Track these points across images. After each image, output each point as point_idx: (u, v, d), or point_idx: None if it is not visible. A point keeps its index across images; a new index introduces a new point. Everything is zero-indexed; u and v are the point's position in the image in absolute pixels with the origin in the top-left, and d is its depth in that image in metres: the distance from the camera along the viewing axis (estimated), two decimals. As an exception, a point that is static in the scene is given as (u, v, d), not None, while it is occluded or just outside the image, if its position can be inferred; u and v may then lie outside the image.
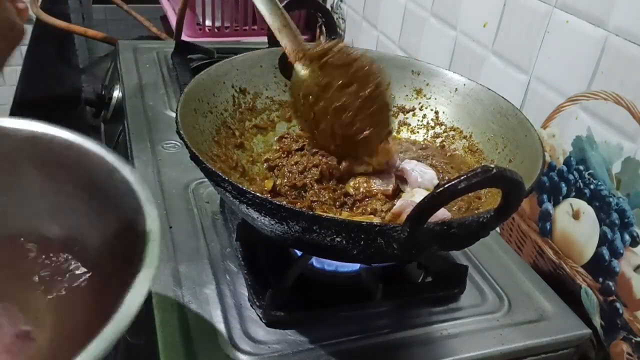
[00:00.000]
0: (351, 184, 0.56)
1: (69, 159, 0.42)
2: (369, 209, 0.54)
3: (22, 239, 0.44)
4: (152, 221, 0.36)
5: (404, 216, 0.50)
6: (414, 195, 0.53)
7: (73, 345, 0.36)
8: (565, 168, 0.63)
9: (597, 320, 0.60)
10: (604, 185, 0.58)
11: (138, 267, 0.32)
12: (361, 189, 0.55)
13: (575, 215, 0.62)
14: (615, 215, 0.57)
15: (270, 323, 0.51)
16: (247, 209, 0.43)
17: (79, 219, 0.43)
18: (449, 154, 0.64)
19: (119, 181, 0.40)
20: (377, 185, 0.56)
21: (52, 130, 0.43)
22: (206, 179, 0.48)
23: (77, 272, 0.43)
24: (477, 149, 0.61)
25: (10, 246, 0.44)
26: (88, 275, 0.42)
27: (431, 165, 0.61)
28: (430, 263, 0.59)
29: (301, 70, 0.54)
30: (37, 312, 0.41)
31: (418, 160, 0.61)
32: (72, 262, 0.43)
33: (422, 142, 0.66)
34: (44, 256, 0.44)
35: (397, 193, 0.57)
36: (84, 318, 0.39)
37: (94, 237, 0.42)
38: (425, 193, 0.51)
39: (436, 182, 0.57)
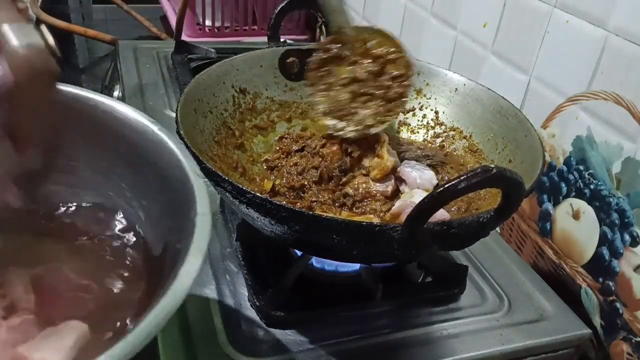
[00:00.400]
0: (350, 184, 0.56)
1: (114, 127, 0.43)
2: (368, 209, 0.54)
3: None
4: (200, 193, 0.36)
5: (403, 217, 0.50)
6: (413, 196, 0.53)
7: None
8: (565, 168, 0.63)
9: (597, 320, 0.60)
10: (604, 185, 0.58)
11: (189, 241, 0.33)
12: (360, 190, 0.55)
13: (575, 215, 0.62)
14: (615, 215, 0.57)
15: (270, 323, 0.51)
16: (247, 209, 0.43)
17: (127, 191, 0.44)
18: (448, 154, 0.64)
19: (165, 153, 0.40)
20: (376, 186, 0.56)
21: (96, 96, 0.44)
22: (206, 179, 0.48)
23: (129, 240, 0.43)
24: (477, 149, 0.61)
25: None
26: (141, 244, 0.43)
27: (430, 166, 0.61)
28: (430, 263, 0.59)
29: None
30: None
31: (417, 161, 0.61)
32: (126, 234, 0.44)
33: (421, 142, 0.66)
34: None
35: (396, 194, 0.57)
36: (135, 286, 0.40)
37: (144, 209, 0.43)
38: (424, 194, 0.51)
39: (435, 182, 0.57)
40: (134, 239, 0.44)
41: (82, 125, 0.44)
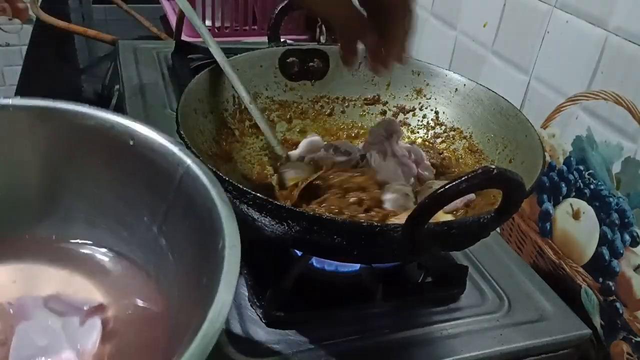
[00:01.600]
0: (363, 210, 0.53)
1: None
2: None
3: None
4: (229, 223, 0.33)
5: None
6: (431, 187, 0.52)
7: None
8: (565, 168, 0.63)
9: (597, 320, 0.60)
10: (604, 185, 0.58)
11: (217, 276, 0.29)
12: (375, 215, 0.53)
13: (575, 215, 0.62)
14: (615, 215, 0.57)
15: (270, 323, 0.51)
16: (247, 209, 0.43)
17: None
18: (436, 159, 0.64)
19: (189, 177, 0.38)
20: (389, 204, 0.54)
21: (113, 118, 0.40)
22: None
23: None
24: (477, 149, 0.61)
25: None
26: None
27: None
28: (430, 263, 0.59)
29: None
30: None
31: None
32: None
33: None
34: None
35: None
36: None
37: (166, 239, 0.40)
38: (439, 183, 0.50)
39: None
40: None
41: (99, 148, 0.41)
